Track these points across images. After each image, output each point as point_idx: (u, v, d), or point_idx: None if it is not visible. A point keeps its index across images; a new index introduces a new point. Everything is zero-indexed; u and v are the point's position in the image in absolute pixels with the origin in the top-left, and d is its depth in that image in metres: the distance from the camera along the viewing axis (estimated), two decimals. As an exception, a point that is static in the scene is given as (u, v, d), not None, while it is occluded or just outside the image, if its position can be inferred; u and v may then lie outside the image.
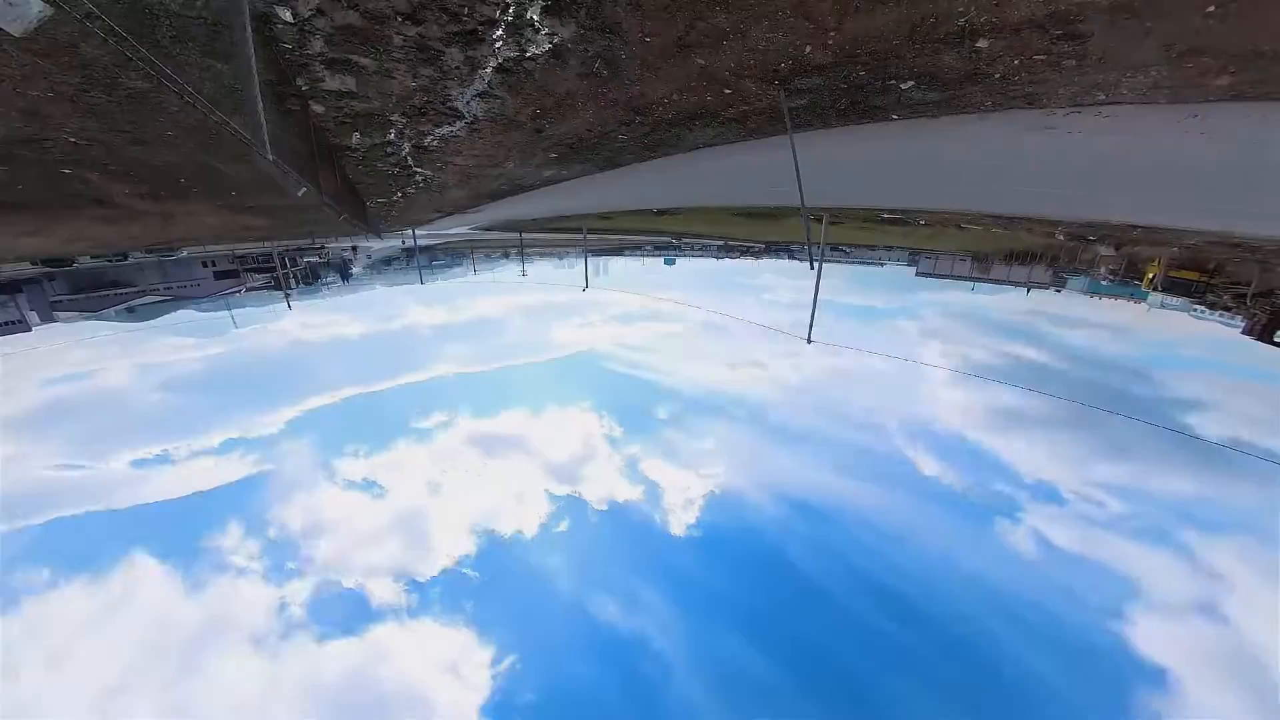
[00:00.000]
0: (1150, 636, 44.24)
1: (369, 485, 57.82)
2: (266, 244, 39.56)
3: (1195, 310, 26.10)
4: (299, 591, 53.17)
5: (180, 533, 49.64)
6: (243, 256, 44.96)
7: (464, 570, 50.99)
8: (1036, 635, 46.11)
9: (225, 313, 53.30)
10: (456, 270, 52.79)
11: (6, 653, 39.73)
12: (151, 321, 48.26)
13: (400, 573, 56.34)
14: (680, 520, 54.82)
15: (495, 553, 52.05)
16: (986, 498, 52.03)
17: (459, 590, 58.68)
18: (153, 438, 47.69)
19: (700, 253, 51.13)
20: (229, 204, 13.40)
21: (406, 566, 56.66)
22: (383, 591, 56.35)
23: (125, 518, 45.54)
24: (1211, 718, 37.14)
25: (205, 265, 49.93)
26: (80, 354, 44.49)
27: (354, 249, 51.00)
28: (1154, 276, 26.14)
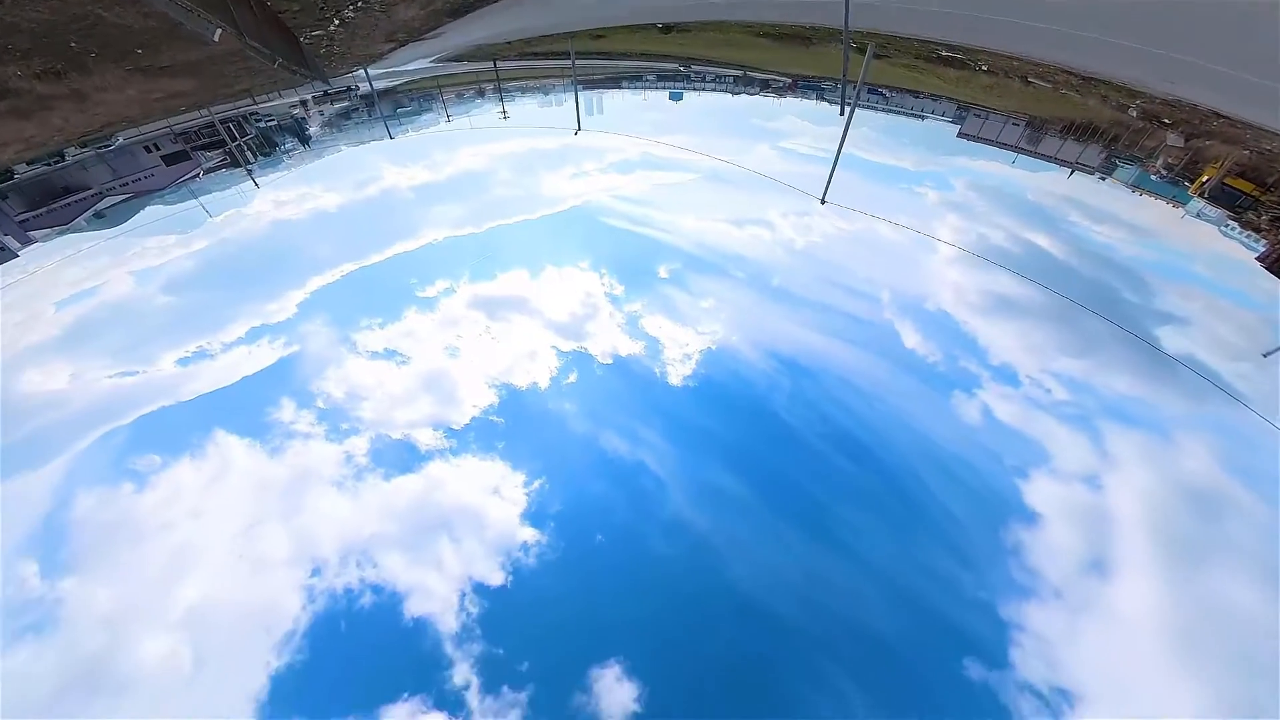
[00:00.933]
0: (1039, 491, 54.41)
1: (391, 354, 61.23)
2: (202, 113, 35.42)
3: (1226, 226, 24.74)
4: (358, 445, 60.45)
5: (244, 412, 54.21)
6: (184, 133, 40.84)
7: (491, 418, 58.47)
8: (956, 480, 58.18)
9: (193, 202, 50.47)
10: (426, 118, 47.78)
11: (164, 509, 47.79)
12: (124, 225, 46.21)
13: (438, 423, 62.77)
14: (678, 373, 60.21)
15: (515, 402, 59.03)
16: (953, 373, 58.44)
17: (489, 433, 65.86)
18: (183, 339, 49.39)
19: (713, 85, 44.66)
20: (139, 67, 11.55)
21: (441, 418, 62.82)
22: (426, 439, 63.20)
23: (194, 407, 49.58)
24: (1056, 550, 49.72)
25: (149, 150, 45.88)
26: (75, 271, 43.97)
27: (303, 104, 45.66)
28: (1206, 180, 24.07)
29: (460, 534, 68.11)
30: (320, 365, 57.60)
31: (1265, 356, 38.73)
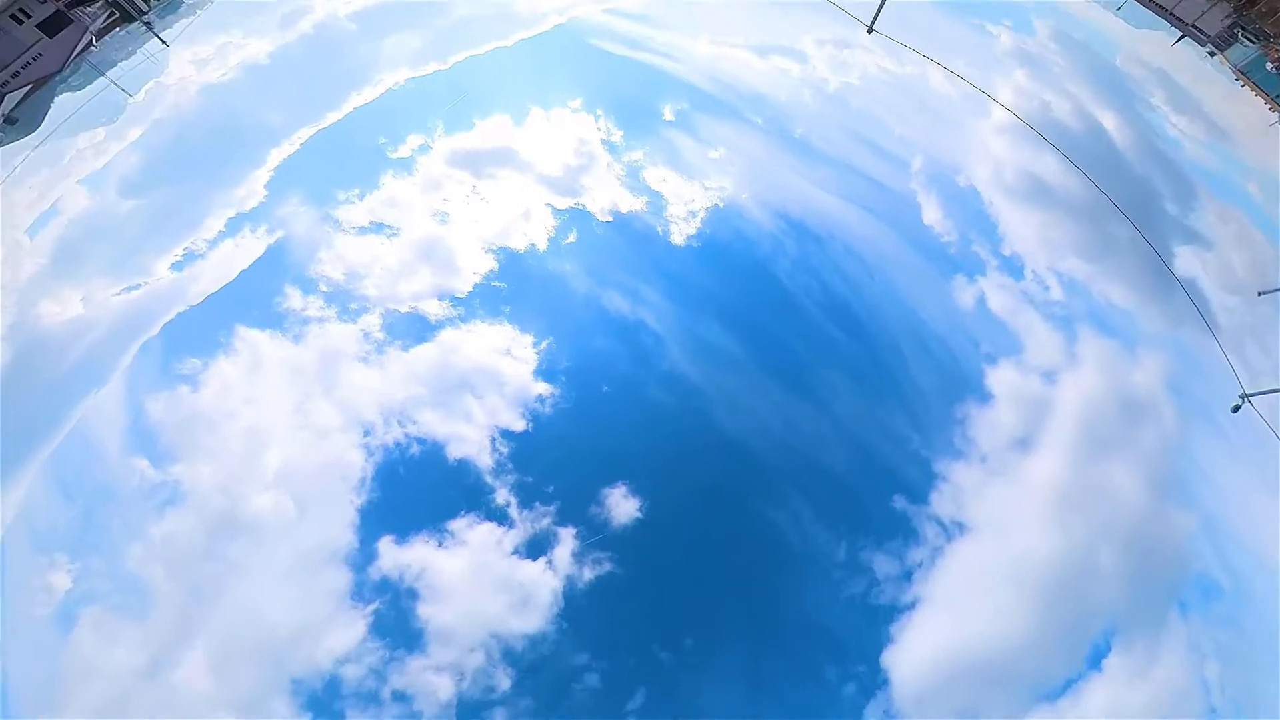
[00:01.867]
0: (1000, 377, 56.78)
1: (378, 227, 60.04)
2: None
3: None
4: (372, 322, 64.88)
5: (255, 306, 56.93)
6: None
7: (493, 284, 59.85)
8: (930, 357, 62.01)
9: (103, 81, 43.65)
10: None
11: (223, 401, 55.11)
12: (42, 128, 41.48)
13: (442, 293, 65.55)
14: (681, 231, 58.26)
15: (515, 266, 59.53)
16: (962, 256, 56.71)
17: (494, 299, 68.96)
18: (167, 243, 48.73)
19: None
20: None
21: (444, 287, 65.11)
22: (434, 309, 67.06)
23: (207, 308, 52.18)
24: (996, 426, 55.79)
25: (19, 20, 38.61)
26: (23, 194, 40.83)
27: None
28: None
29: (482, 391, 77.17)
30: (310, 249, 57.10)
31: (1260, 295, 37.98)
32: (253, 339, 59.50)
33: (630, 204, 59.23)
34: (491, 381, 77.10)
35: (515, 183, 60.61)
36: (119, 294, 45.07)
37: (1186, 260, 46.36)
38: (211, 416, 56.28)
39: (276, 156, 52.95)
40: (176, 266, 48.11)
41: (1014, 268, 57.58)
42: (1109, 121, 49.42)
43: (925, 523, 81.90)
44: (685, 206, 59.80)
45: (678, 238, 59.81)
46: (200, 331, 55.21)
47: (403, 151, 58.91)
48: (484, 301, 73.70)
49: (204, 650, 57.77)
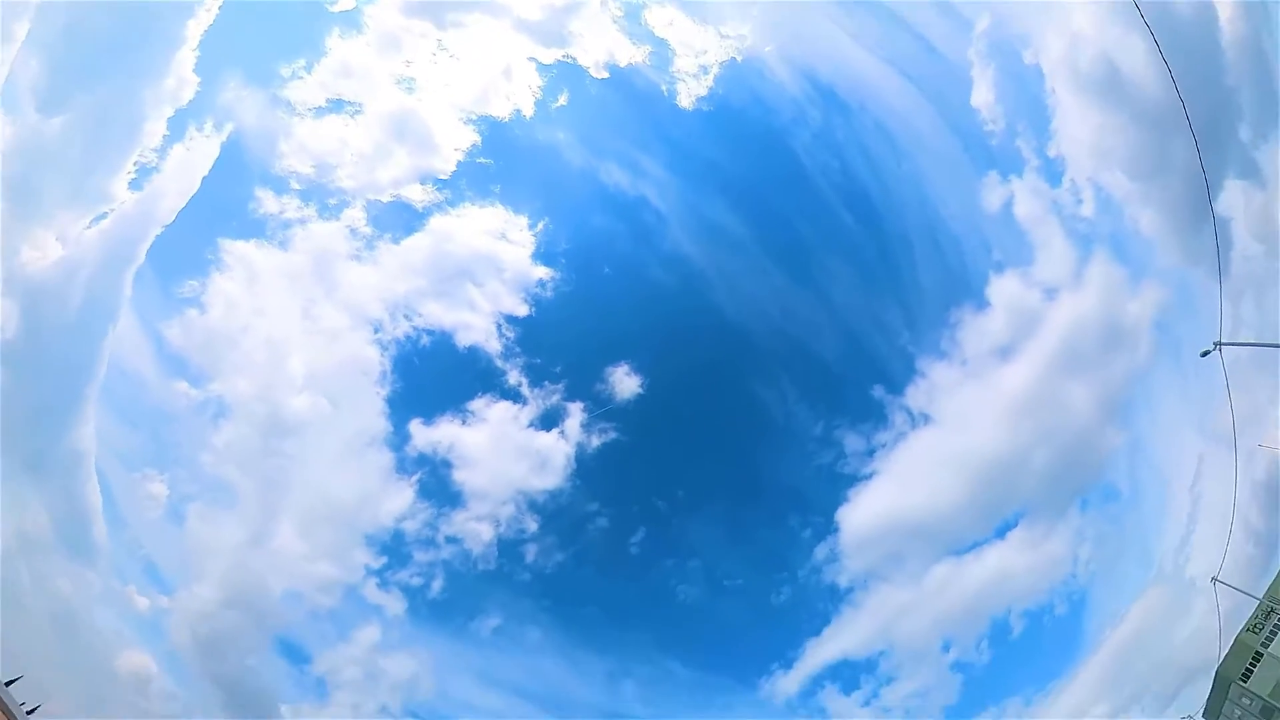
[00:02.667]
0: (1003, 286, 58.28)
1: (338, 105, 54.52)
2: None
3: None
4: (355, 216, 62.72)
5: (230, 215, 55.12)
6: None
7: (478, 160, 55.03)
8: (940, 257, 61.74)
9: None
10: None
11: (233, 317, 57.34)
12: None
13: (423, 175, 62.23)
14: (690, 92, 49.96)
15: (500, 137, 53.68)
16: (1003, 150, 50.88)
17: (481, 178, 65.81)
18: (114, 161, 45.41)
19: None
20: None
21: (425, 169, 61.55)
22: (418, 195, 64.53)
23: (184, 225, 50.85)
24: (985, 333, 57.52)
25: None
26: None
27: None
28: None
29: (481, 278, 76.53)
30: (268, 141, 52.27)
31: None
32: (239, 252, 57.63)
33: (630, 55, 49.45)
34: (490, 268, 75.69)
35: (488, 31, 50.70)
36: (89, 227, 43.16)
37: (1231, 196, 41.15)
38: (228, 334, 58.19)
39: (195, 29, 44.16)
40: (135, 186, 44.58)
41: (1053, 172, 50.81)
42: (1225, 10, 38.76)
43: (896, 411, 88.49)
44: (695, 60, 49.61)
45: (685, 99, 50.43)
46: (184, 251, 53.48)
47: (342, 2, 48.34)
48: (471, 182, 68.08)
49: (290, 523, 71.05)
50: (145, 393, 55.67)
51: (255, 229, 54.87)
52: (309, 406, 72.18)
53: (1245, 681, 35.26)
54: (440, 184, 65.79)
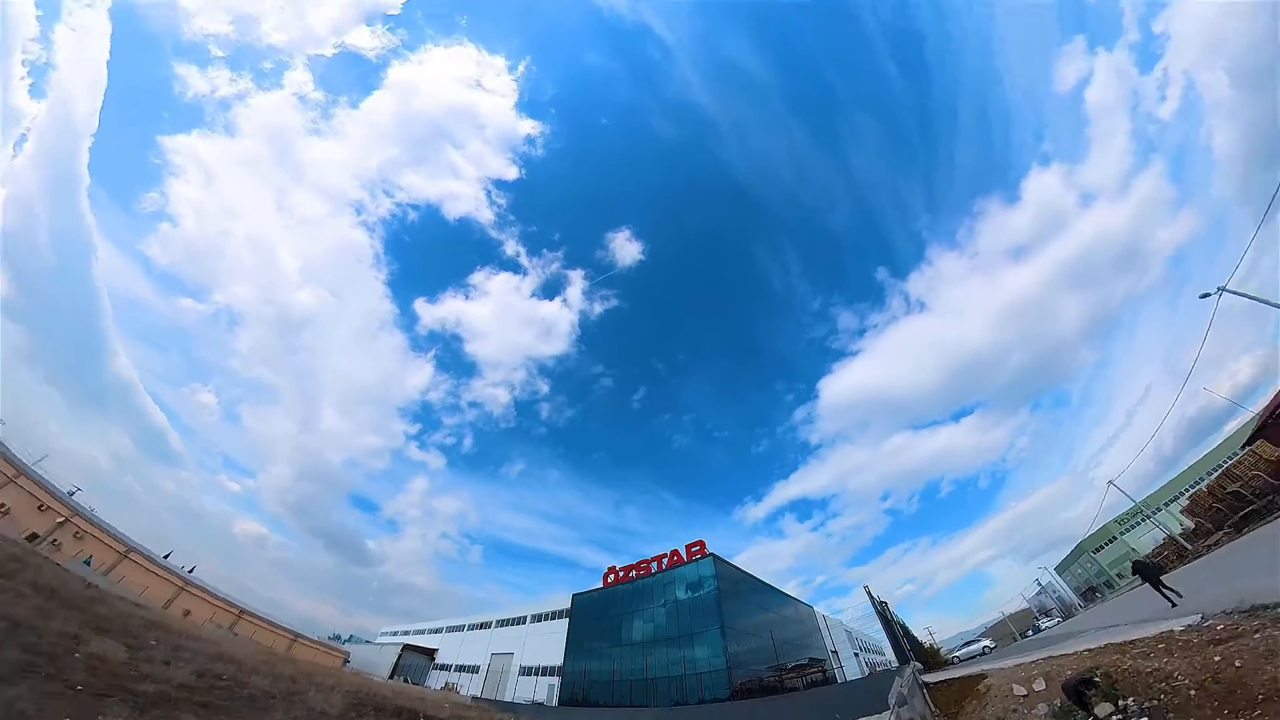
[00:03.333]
0: (1040, 181, 47.21)
1: None
2: None
3: None
4: (299, 80, 55.59)
5: (157, 108, 48.63)
6: None
7: None
8: (983, 134, 50.88)
9: None
10: None
11: (208, 221, 51.93)
12: None
13: (369, 14, 56.34)
14: None
15: None
16: (1102, 15, 41.32)
17: (441, 8, 60.29)
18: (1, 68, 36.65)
19: None
20: None
21: (369, 5, 55.63)
22: (366, 41, 58.63)
23: (109, 127, 44.22)
24: (1004, 229, 53.21)
25: None
26: None
27: None
28: None
29: (461, 139, 69.03)
30: (167, 5, 43.33)
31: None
32: (184, 149, 48.42)
33: None
34: (468, 124, 68.21)
35: None
36: (12, 155, 35.11)
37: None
38: (207, 241, 51.01)
39: None
40: (36, 93, 35.51)
41: (1149, 54, 43.52)
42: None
43: (895, 296, 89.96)
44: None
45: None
46: (126, 161, 44.68)
47: None
48: (429, 15, 59.41)
49: (330, 406, 70.49)
50: (155, 316, 50.53)
51: (191, 117, 47.04)
52: (314, 300, 67.58)
53: (1096, 554, 47.81)
54: (391, 22, 57.32)
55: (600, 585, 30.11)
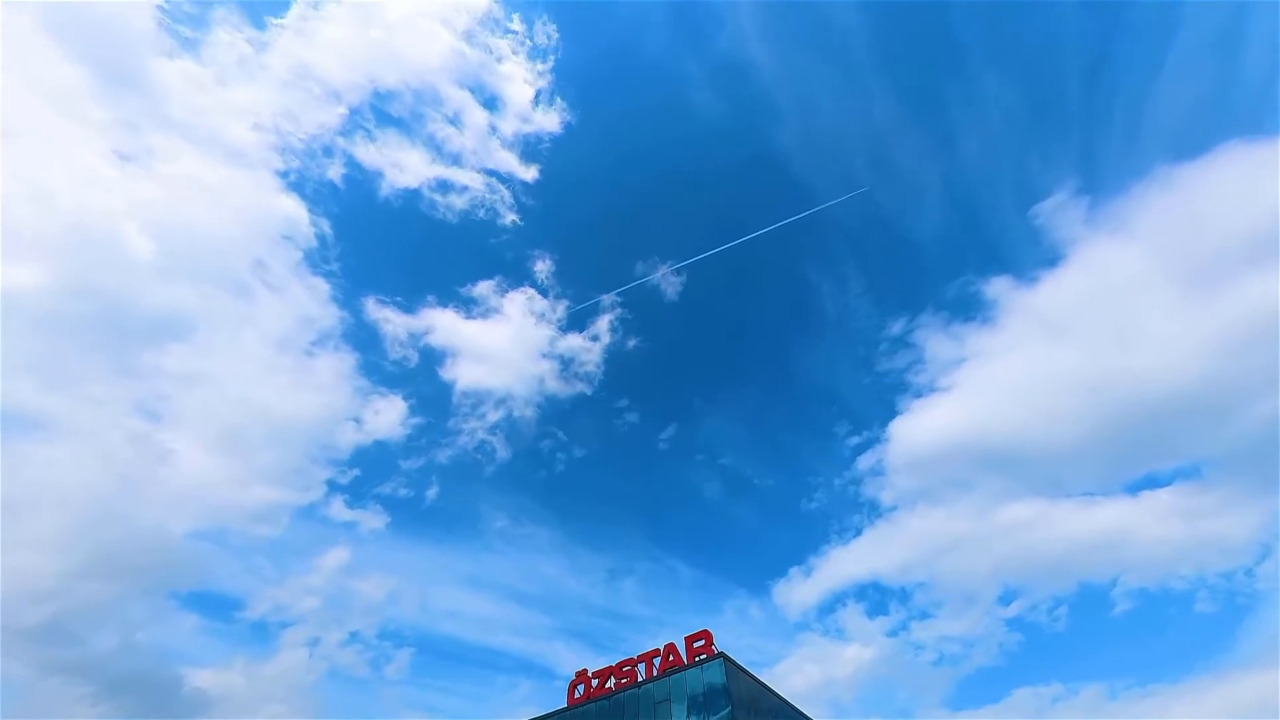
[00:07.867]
0: (1237, 158, 46.93)
1: None
2: None
3: None
4: None
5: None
6: None
7: None
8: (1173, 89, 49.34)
9: None
10: None
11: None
12: None
13: None
14: None
15: None
16: None
17: None
18: None
19: None
20: None
21: None
22: None
23: None
24: (1196, 211, 46.99)
25: None
26: None
27: None
28: None
29: (451, 107, 64.13)
30: None
31: None
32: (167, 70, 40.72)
33: None
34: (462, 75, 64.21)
35: None
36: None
37: None
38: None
39: None
40: None
41: None
42: None
43: (1013, 314, 65.73)
44: None
45: None
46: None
47: None
48: None
49: (195, 444, 58.04)
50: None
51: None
52: (192, 297, 55.27)
53: None
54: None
55: (564, 705, 20.62)
